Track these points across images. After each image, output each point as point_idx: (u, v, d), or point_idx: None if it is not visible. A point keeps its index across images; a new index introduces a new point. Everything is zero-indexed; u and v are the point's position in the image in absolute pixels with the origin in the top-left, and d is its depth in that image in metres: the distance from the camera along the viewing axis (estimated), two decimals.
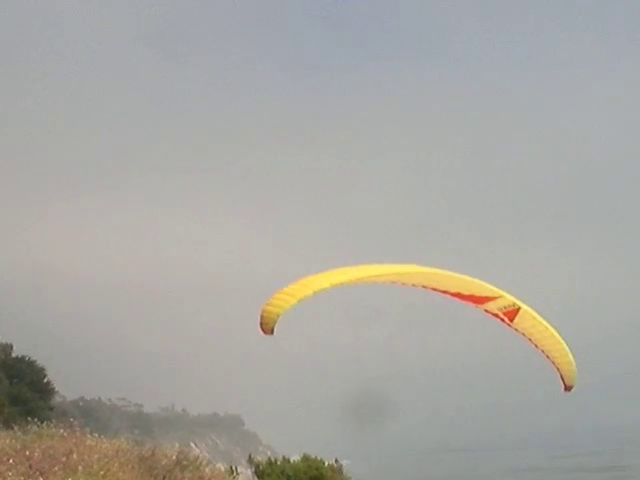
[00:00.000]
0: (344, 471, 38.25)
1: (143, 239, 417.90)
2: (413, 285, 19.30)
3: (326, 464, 37.08)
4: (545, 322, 20.18)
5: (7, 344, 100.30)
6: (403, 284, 19.18)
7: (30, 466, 19.83)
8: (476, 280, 19.64)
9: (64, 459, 20.71)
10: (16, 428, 26.50)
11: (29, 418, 28.73)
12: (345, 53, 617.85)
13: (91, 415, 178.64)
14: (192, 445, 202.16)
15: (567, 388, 21.20)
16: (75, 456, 21.32)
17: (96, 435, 26.22)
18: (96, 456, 22.12)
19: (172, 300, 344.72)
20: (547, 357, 20.58)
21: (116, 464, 21.79)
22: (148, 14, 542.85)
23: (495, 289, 19.76)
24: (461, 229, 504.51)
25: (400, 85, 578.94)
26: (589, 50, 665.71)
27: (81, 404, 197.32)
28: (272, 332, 16.87)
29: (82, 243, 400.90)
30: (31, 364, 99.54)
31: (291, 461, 36.90)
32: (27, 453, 20.93)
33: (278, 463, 36.41)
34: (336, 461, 38.80)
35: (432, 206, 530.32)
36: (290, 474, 34.94)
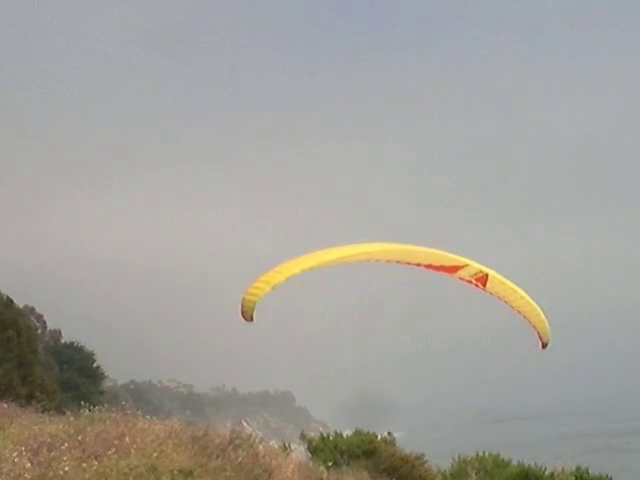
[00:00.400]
0: (397, 443, 38.19)
1: (180, 225, 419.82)
2: (387, 261, 20.34)
3: (379, 437, 37.02)
4: (513, 285, 21.02)
5: (56, 330, 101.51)
6: (377, 261, 20.12)
7: (84, 450, 19.87)
8: (442, 252, 20.39)
9: (117, 442, 20.72)
10: (68, 413, 26.62)
11: (81, 403, 28.82)
12: (346, 51, 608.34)
13: (142, 398, 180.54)
14: (244, 423, 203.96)
15: (543, 345, 22.29)
16: (128, 439, 21.32)
17: (148, 417, 26.25)
18: (149, 438, 22.10)
19: (215, 282, 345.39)
20: (524, 317, 21.70)
21: (169, 445, 21.76)
22: (149, 14, 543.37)
23: (461, 258, 20.56)
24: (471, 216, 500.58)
25: (398, 80, 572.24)
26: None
27: (132, 387, 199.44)
28: (252, 319, 18.04)
29: (123, 229, 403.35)
30: (80, 349, 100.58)
31: (344, 436, 36.84)
32: (80, 438, 20.97)
33: (331, 438, 36.36)
34: (389, 434, 38.76)
35: (434, 197, 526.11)
36: (343, 448, 34.90)
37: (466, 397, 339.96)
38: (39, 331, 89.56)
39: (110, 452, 19.89)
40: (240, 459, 22.25)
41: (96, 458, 19.46)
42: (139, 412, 26.70)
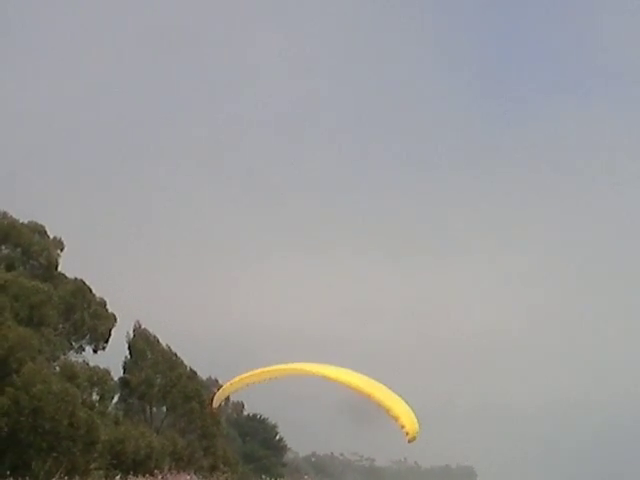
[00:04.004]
0: None
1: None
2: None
3: None
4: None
5: (238, 403, 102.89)
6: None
7: None
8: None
9: None
10: None
11: (263, 476, 28.55)
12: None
13: (324, 470, 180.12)
14: None
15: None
16: None
17: None
18: None
19: (391, 351, 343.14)
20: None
21: None
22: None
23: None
24: None
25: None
26: None
27: (313, 460, 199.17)
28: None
29: (291, 301, 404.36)
30: (263, 422, 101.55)
31: None
32: None
33: None
34: None
35: None
36: None
37: None
38: (222, 403, 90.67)
39: None
40: None
41: None
42: None
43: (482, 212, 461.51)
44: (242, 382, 19.84)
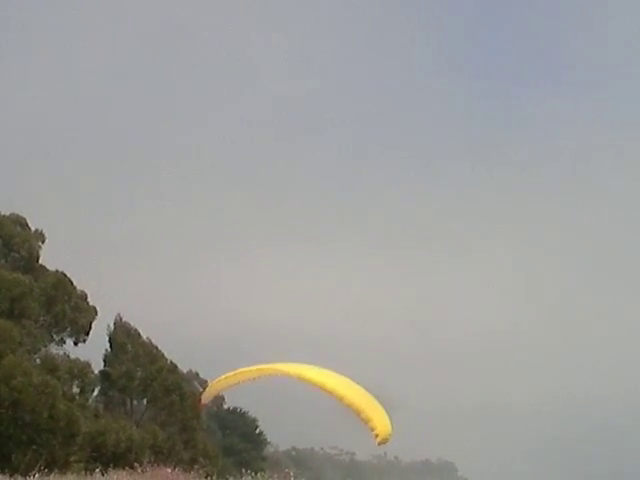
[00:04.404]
0: None
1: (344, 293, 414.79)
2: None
3: None
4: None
5: (219, 396, 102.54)
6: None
7: None
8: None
9: None
10: (231, 479, 26.44)
11: (243, 469, 28.58)
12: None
13: (304, 464, 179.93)
14: None
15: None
16: None
17: None
18: None
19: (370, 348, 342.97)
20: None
21: None
22: None
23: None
24: None
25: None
26: None
27: (293, 454, 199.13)
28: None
29: (277, 295, 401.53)
30: (243, 415, 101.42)
31: None
32: None
33: None
34: None
35: None
36: None
37: None
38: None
39: None
40: None
41: None
42: (302, 479, 26.27)
43: (482, 212, 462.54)
44: (227, 381, 19.76)
